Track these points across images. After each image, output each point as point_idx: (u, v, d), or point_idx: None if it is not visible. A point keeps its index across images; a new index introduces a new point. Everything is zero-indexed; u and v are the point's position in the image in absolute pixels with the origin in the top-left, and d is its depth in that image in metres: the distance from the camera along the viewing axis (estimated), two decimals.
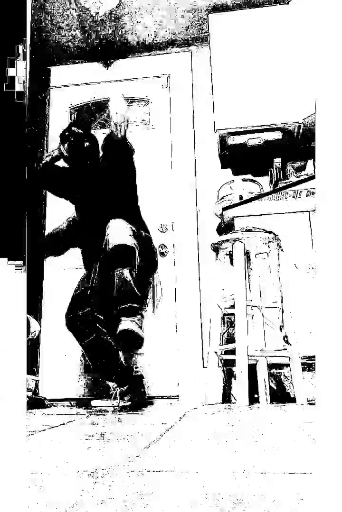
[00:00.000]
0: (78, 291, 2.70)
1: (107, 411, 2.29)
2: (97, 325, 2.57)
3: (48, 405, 2.79)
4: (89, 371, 3.24)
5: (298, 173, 3.17)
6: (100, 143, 2.80)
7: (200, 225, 3.44)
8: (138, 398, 2.53)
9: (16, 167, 0.99)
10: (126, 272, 2.27)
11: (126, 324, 2.21)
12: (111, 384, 2.60)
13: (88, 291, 2.65)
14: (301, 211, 2.81)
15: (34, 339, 3.09)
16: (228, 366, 2.65)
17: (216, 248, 2.63)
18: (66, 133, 2.63)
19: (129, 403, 2.51)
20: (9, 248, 0.96)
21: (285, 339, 2.38)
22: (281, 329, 2.42)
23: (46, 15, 3.47)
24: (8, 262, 0.95)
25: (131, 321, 2.23)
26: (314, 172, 3.02)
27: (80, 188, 2.75)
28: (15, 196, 0.97)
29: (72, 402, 3.08)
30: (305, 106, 3.02)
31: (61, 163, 2.73)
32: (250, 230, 2.51)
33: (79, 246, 2.82)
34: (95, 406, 2.60)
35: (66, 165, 2.74)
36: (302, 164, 3.26)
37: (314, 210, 2.77)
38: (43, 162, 2.73)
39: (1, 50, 1.01)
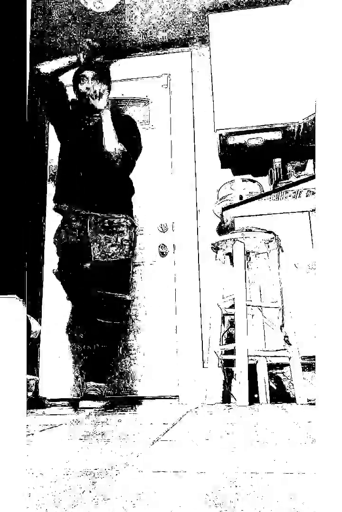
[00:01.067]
0: (71, 242, 2.71)
1: (106, 412, 2.29)
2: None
3: (48, 405, 2.79)
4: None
5: (298, 173, 3.17)
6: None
7: (200, 225, 3.44)
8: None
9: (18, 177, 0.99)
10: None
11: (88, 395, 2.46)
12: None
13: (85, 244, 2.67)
14: (301, 211, 2.81)
15: (34, 339, 3.09)
16: (228, 366, 2.65)
17: (216, 248, 2.63)
18: (81, 43, 2.87)
19: (105, 403, 2.49)
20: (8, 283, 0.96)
21: (286, 339, 2.38)
22: (281, 329, 2.42)
23: (45, 14, 3.47)
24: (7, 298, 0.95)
25: (93, 389, 2.47)
26: (314, 172, 3.02)
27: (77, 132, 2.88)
28: (15, 232, 0.97)
29: (72, 402, 3.08)
30: (305, 106, 3.01)
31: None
32: (250, 230, 2.51)
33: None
34: (82, 407, 2.49)
35: (72, 96, 2.94)
36: (302, 164, 3.26)
37: (314, 210, 2.77)
38: (54, 69, 2.86)
39: (1, 50, 1.01)
